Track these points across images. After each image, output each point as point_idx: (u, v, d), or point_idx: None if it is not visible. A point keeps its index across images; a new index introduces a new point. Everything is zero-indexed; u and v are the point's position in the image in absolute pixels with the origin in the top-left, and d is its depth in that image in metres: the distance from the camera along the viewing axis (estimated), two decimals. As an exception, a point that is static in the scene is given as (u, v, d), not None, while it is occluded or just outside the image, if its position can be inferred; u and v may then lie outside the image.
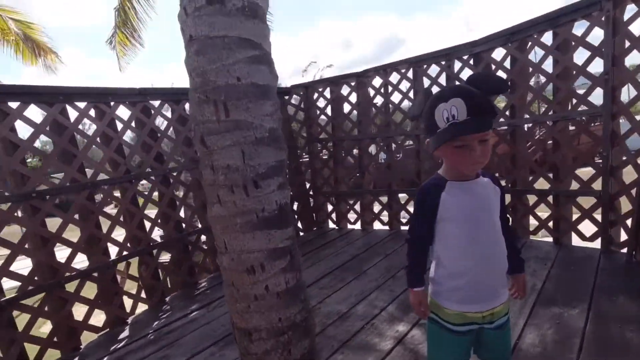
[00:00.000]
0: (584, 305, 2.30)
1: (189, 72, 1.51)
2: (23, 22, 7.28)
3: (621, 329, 2.05)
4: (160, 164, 3.32)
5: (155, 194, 3.31)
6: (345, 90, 4.60)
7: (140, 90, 3.19)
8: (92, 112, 2.91)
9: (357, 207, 4.72)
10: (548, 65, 3.26)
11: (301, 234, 4.84)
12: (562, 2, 3.19)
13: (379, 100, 4.39)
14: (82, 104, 2.81)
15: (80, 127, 2.83)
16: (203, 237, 3.80)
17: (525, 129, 3.50)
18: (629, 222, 2.80)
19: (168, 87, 3.36)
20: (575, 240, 3.23)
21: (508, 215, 3.50)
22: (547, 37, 3.24)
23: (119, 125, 3.08)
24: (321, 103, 4.86)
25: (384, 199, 4.51)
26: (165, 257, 3.87)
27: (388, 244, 4.00)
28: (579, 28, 3.04)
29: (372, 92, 4.40)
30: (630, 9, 2.78)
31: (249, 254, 1.53)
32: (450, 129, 1.10)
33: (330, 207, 4.95)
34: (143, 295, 3.15)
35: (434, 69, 3.96)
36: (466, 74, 3.74)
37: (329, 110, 4.79)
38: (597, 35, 2.94)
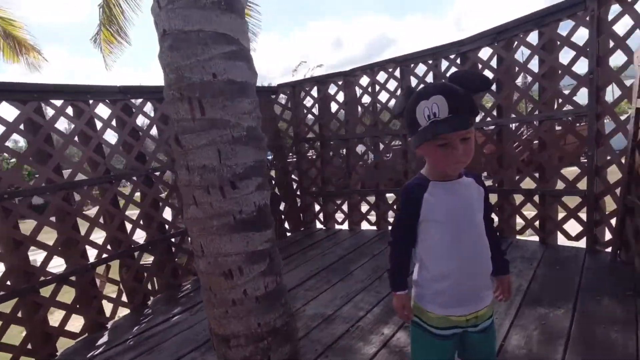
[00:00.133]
0: (569, 306, 2.29)
1: (163, 68, 1.45)
2: (4, 19, 7.08)
3: (606, 329, 2.04)
4: (142, 163, 3.24)
5: (138, 194, 3.23)
6: (332, 89, 4.56)
7: (120, 89, 3.11)
8: (70, 111, 2.82)
9: (345, 207, 4.68)
10: (534, 65, 3.27)
11: (288, 234, 4.79)
12: (549, 2, 3.17)
13: (366, 99, 4.36)
14: (58, 102, 2.72)
15: (62, 126, 2.74)
16: (187, 239, 3.72)
17: (513, 128, 3.49)
18: (613, 221, 2.80)
19: (151, 85, 3.25)
20: (561, 240, 3.23)
21: (493, 216, 3.55)
22: (533, 37, 3.24)
23: (99, 125, 2.99)
24: (308, 102, 4.82)
25: (372, 199, 4.48)
26: (148, 259, 3.78)
27: (375, 245, 3.97)
28: (564, 28, 3.05)
29: (359, 92, 4.36)
30: (614, 9, 2.79)
31: (226, 257, 1.48)
32: (431, 126, 1.07)
33: (317, 207, 4.90)
34: (124, 298, 3.06)
35: (421, 68, 3.95)
36: (453, 73, 3.72)
37: (316, 110, 4.74)
38: (582, 35, 2.95)
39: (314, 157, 4.92)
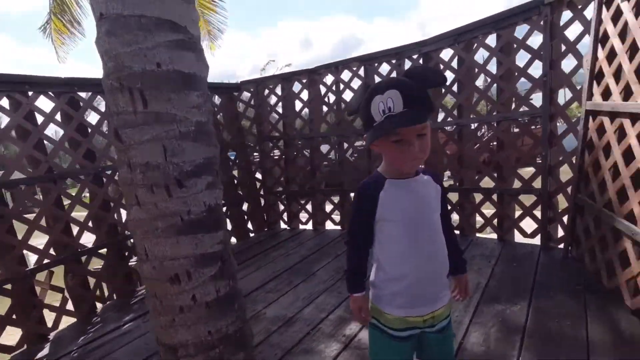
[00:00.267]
0: (525, 302, 2.34)
1: (101, 55, 1.32)
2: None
3: (559, 323, 2.10)
4: (92, 162, 3.02)
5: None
6: (296, 87, 4.49)
7: (66, 80, 2.88)
8: (5, 103, 2.57)
9: (309, 207, 4.62)
10: (493, 67, 3.34)
11: (251, 235, 4.67)
12: (508, 7, 3.24)
13: (330, 98, 4.31)
14: (-9, 94, 2.48)
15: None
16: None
17: (472, 128, 3.56)
18: (565, 218, 2.91)
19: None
20: (518, 237, 3.33)
21: (455, 215, 3.60)
22: (492, 39, 3.31)
23: (41, 119, 2.75)
24: (272, 100, 4.72)
25: (336, 198, 4.45)
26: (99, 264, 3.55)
27: (339, 245, 3.93)
28: (522, 31, 3.13)
29: (323, 90, 4.31)
30: (566, 15, 2.89)
31: (172, 261, 1.37)
32: (386, 121, 1.04)
33: (281, 207, 4.81)
34: (70, 307, 2.84)
35: (385, 68, 3.96)
36: (416, 73, 3.75)
37: (280, 108, 4.64)
38: (538, 39, 3.04)
39: (278, 156, 4.83)
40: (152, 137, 1.31)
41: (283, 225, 4.86)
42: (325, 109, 4.41)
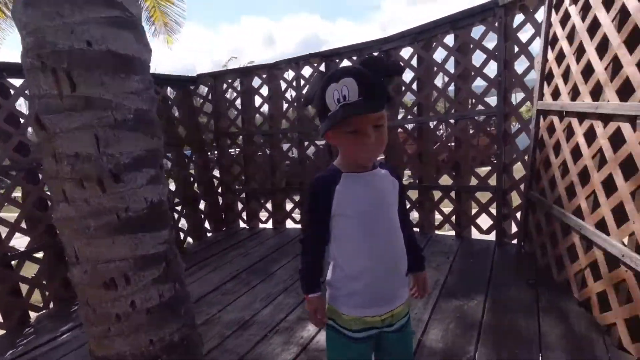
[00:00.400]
0: (481, 297, 2.37)
1: (19, 29, 1.15)
2: None
3: (513, 317, 2.14)
4: (24, 156, 2.74)
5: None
6: (256, 82, 4.35)
7: (-7, 65, 2.59)
8: None
9: (269, 205, 4.50)
10: (452, 66, 3.38)
11: (209, 234, 4.48)
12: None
13: (291, 94, 4.23)
14: None
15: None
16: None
17: (432, 127, 3.60)
18: (519, 215, 2.99)
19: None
20: (475, 234, 3.40)
21: (414, 213, 3.62)
22: (450, 39, 3.36)
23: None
24: (231, 95, 4.55)
25: (297, 197, 4.36)
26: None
27: (299, 244, 3.84)
28: (479, 32, 3.19)
29: (284, 85, 4.22)
30: (520, 17, 2.98)
31: (107, 264, 1.22)
32: (341, 110, 0.98)
33: (240, 206, 4.65)
34: (-2, 317, 2.56)
35: (346, 64, 3.91)
36: (376, 70, 3.74)
37: (239, 103, 4.48)
38: (494, 40, 3.11)
39: (237, 153, 4.67)
40: (81, 125, 1.16)
41: (242, 225, 4.71)
42: (285, 105, 4.31)
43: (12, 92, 2.72)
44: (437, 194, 3.59)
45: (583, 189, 2.10)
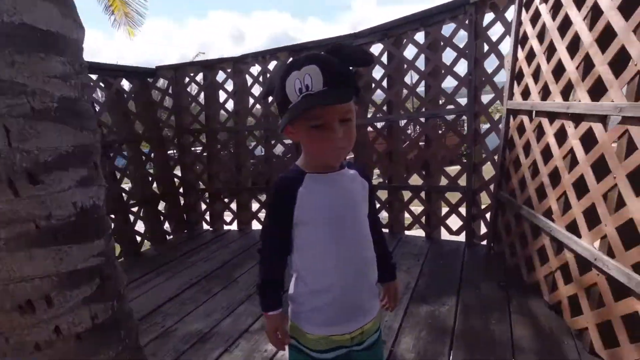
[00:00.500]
0: (453, 301, 2.30)
1: None
2: None
3: (485, 322, 2.08)
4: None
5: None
6: (220, 76, 4.13)
7: None
8: None
9: (234, 205, 4.29)
10: (422, 64, 3.32)
11: (169, 237, 4.20)
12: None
13: (257, 89, 4.03)
14: None
15: None
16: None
17: (401, 125, 3.52)
18: (488, 215, 2.96)
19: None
20: (444, 234, 3.35)
21: (385, 214, 3.52)
22: (420, 36, 3.29)
23: None
24: (193, 89, 4.29)
25: (263, 196, 4.18)
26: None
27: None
28: (449, 29, 3.13)
29: (250, 81, 4.01)
30: (490, 15, 2.94)
31: (22, 284, 1.01)
32: (302, 101, 0.85)
33: (204, 207, 4.41)
34: None
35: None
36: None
37: (202, 98, 4.24)
38: (465, 38, 3.06)
39: (200, 150, 4.42)
40: (-13, 114, 0.94)
41: (206, 226, 4.47)
42: (251, 101, 4.11)
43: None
44: (406, 194, 3.53)
45: (554, 190, 2.07)
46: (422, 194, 3.39)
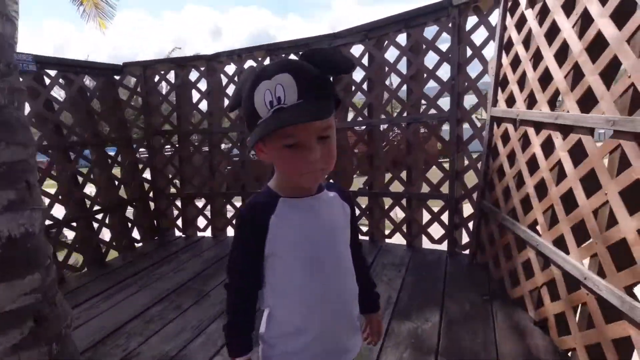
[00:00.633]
0: (436, 317, 2.21)
1: None
2: None
3: (470, 338, 1.99)
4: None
5: None
6: (193, 75, 3.91)
7: None
8: None
9: (208, 211, 4.08)
10: (404, 67, 3.21)
11: (138, 245, 3.96)
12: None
13: (232, 89, 3.83)
14: None
15: None
16: None
17: (382, 129, 3.41)
18: (471, 224, 2.89)
19: None
20: (425, 243, 3.27)
21: (365, 221, 3.41)
22: (402, 38, 3.19)
23: None
24: (164, 88, 4.06)
25: (238, 201, 3.99)
26: None
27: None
28: (432, 32, 3.05)
29: (225, 80, 3.82)
30: (473, 19, 2.86)
31: None
32: (274, 116, 0.71)
33: (176, 212, 4.18)
34: None
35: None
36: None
37: (173, 98, 4.01)
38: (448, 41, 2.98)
39: (171, 153, 4.18)
40: None
41: (178, 233, 4.24)
42: (226, 101, 3.92)
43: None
44: (387, 201, 3.42)
45: (540, 203, 1.99)
46: (404, 201, 3.29)
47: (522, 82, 2.27)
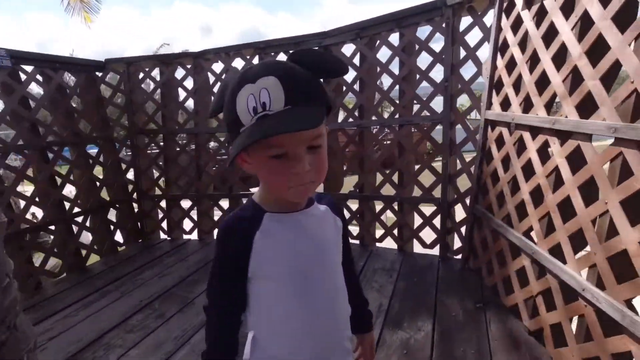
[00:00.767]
0: (429, 326, 2.14)
1: None
2: None
3: (464, 351, 1.93)
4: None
5: None
6: (179, 73, 3.78)
7: None
8: None
9: (194, 213, 3.96)
10: (396, 67, 3.14)
11: (120, 249, 3.82)
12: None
13: (220, 88, 3.72)
14: None
15: None
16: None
17: (373, 131, 3.34)
18: (463, 229, 2.84)
19: None
20: (417, 247, 3.21)
21: (355, 226, 3.34)
22: (395, 38, 3.12)
23: None
24: (149, 86, 3.92)
25: (226, 203, 3.88)
26: None
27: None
28: (425, 32, 2.98)
29: (212, 79, 3.70)
30: (468, 20, 2.80)
31: None
32: (258, 124, 0.64)
33: (161, 214, 4.05)
34: None
35: (282, 58, 3.50)
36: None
37: (158, 96, 3.87)
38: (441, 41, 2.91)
39: (156, 153, 4.05)
40: None
41: (163, 235, 4.11)
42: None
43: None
44: (378, 204, 3.35)
45: (536, 210, 1.94)
46: (395, 205, 3.22)
47: (517, 85, 2.22)
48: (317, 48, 3.34)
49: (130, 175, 3.94)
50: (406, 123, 3.09)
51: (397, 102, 3.16)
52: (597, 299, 1.49)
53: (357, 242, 3.43)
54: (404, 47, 3.04)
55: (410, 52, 3.04)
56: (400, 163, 3.13)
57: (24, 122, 2.95)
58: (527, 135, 2.06)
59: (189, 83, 3.74)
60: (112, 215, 3.78)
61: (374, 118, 3.35)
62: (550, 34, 1.89)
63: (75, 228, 3.32)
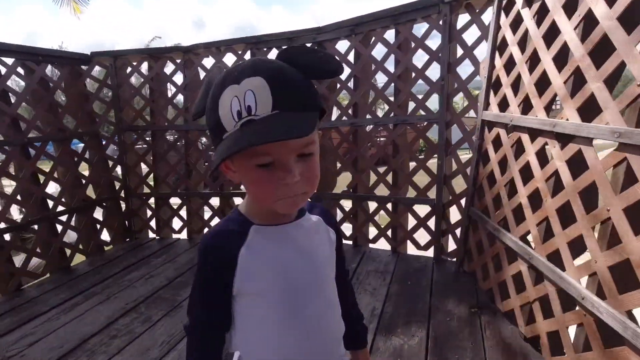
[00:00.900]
0: (423, 332, 2.09)
1: None
2: None
3: (459, 358, 1.88)
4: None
5: None
6: (169, 67, 3.67)
7: None
8: None
9: (184, 212, 3.86)
10: (391, 65, 3.08)
11: (107, 248, 3.71)
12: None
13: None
14: None
15: None
16: None
17: (368, 130, 3.27)
18: (458, 231, 2.79)
19: None
20: (411, 248, 3.16)
21: (349, 225, 3.28)
22: (390, 35, 3.05)
23: None
24: (137, 81, 3.80)
25: (216, 202, 3.79)
26: None
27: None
28: (422, 29, 2.91)
29: (202, 74, 3.59)
30: (465, 17, 2.74)
31: None
32: (243, 130, 0.58)
33: (149, 213, 3.94)
34: None
35: (274, 54, 3.40)
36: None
37: (147, 91, 3.76)
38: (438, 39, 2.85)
39: (144, 150, 3.94)
40: None
41: (151, 234, 4.01)
42: (204, 96, 3.69)
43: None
44: (371, 205, 3.30)
45: (534, 214, 1.89)
46: (389, 205, 3.17)
47: (516, 85, 2.16)
48: (310, 44, 3.25)
49: (118, 172, 3.82)
50: (401, 122, 3.03)
51: (392, 100, 3.09)
52: (597, 309, 1.44)
53: (350, 242, 3.37)
54: (399, 44, 2.97)
55: (406, 49, 2.97)
56: (395, 163, 3.07)
57: (4, 117, 2.82)
58: (525, 137, 2.00)
59: (179, 78, 3.64)
60: (98, 213, 3.67)
61: (368, 116, 3.28)
62: (552, 34, 1.84)
63: (59, 227, 3.20)
